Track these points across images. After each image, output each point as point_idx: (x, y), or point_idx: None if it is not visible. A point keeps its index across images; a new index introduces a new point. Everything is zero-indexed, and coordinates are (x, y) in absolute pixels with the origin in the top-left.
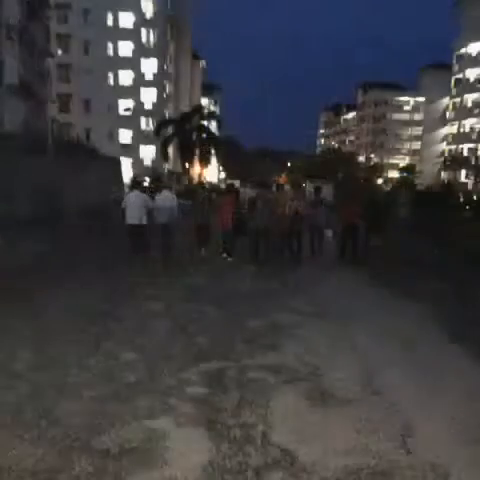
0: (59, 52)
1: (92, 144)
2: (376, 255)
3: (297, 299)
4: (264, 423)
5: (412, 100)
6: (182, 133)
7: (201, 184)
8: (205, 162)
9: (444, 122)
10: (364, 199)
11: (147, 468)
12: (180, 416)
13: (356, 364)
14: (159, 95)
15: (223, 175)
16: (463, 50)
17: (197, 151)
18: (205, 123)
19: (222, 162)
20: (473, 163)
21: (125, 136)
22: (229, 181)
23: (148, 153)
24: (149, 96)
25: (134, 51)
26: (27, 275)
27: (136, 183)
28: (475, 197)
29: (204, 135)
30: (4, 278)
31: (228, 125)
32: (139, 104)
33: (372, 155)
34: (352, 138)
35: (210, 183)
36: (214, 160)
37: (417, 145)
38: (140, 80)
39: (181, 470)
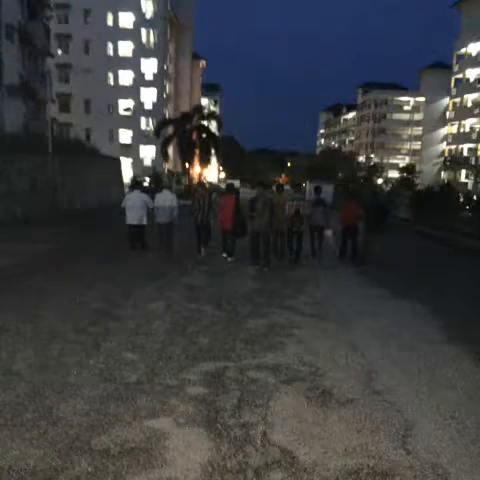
0: (59, 52)
1: (92, 144)
2: (376, 255)
3: (297, 299)
4: (264, 423)
5: (412, 100)
6: (182, 133)
7: (201, 184)
8: (205, 162)
9: (444, 122)
10: (364, 199)
11: (147, 468)
12: (180, 416)
13: (356, 364)
14: (159, 95)
15: (223, 175)
16: (463, 50)
17: (197, 151)
18: (205, 123)
19: (222, 162)
20: (473, 163)
21: (125, 136)
22: (229, 181)
23: (148, 153)
24: (149, 96)
25: (134, 51)
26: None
27: (136, 183)
28: (475, 197)
29: (204, 135)
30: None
31: (228, 125)
32: (139, 104)
33: (372, 155)
34: (352, 138)
35: (210, 183)
36: (214, 160)
37: (417, 145)
38: (140, 80)
39: (181, 470)
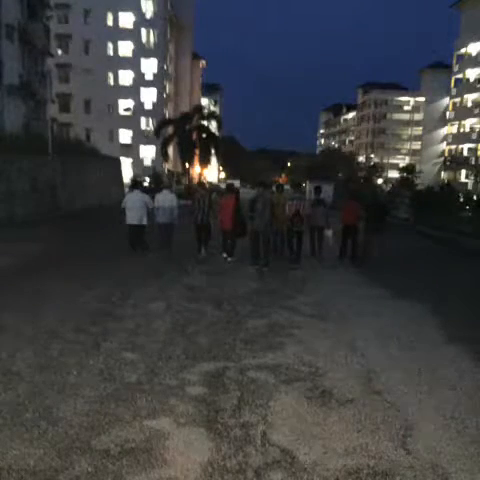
0: (59, 52)
1: (92, 144)
2: (376, 255)
3: (297, 299)
4: (264, 423)
5: (412, 100)
6: (182, 133)
7: (201, 184)
8: (205, 162)
9: (444, 122)
10: (365, 199)
11: (147, 468)
12: (180, 416)
13: (356, 364)
14: (159, 95)
15: (223, 175)
16: (463, 50)
17: (197, 151)
18: (205, 123)
19: (222, 162)
20: (473, 163)
21: (125, 136)
22: (229, 181)
23: (148, 153)
24: (149, 96)
25: (134, 51)
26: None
27: (136, 183)
28: (475, 197)
29: (204, 135)
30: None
31: (228, 125)
32: (139, 104)
33: (372, 155)
34: (352, 138)
35: (210, 183)
36: (214, 160)
37: (417, 145)
38: (140, 80)
39: (181, 470)
